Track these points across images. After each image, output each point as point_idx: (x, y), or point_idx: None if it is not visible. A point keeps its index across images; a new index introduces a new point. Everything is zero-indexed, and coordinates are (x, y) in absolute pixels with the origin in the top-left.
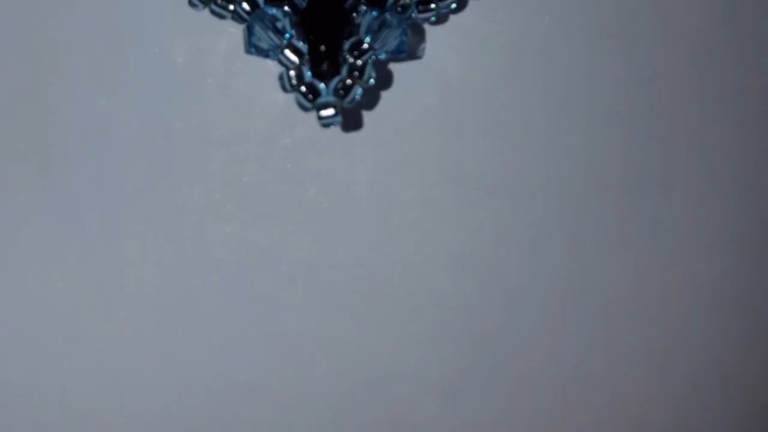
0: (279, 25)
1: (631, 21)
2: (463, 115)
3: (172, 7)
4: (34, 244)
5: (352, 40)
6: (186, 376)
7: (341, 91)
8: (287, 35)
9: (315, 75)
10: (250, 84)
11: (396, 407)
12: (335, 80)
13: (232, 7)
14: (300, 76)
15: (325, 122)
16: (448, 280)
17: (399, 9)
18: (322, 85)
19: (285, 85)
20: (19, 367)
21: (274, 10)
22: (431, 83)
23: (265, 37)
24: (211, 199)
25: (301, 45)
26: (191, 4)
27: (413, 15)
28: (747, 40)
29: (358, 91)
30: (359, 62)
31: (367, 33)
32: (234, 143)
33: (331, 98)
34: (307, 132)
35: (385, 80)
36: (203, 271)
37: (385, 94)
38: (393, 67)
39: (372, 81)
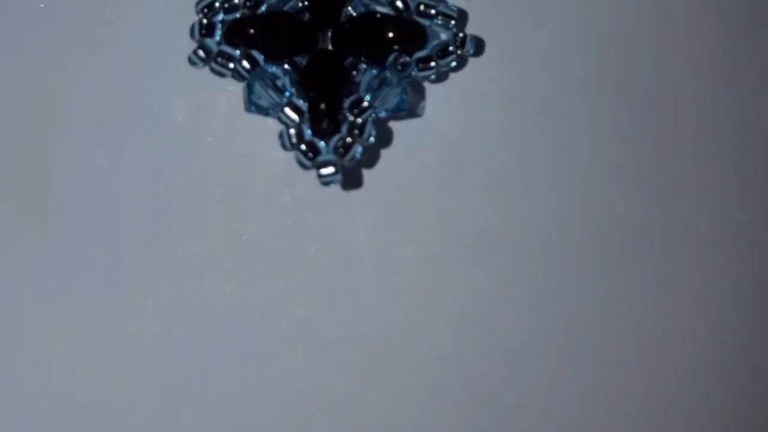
0: (279, 83)
1: (631, 77)
2: (463, 172)
3: (172, 65)
4: (33, 301)
5: (352, 98)
6: None
7: (341, 149)
8: (287, 93)
9: (315, 133)
10: (250, 142)
11: None
12: (335, 138)
13: (232, 65)
14: (300, 134)
15: (325, 180)
16: (448, 338)
17: (399, 67)
18: (322, 143)
19: (285, 143)
20: (20, 428)
21: (274, 68)
22: (431, 141)
23: (265, 95)
24: (211, 257)
25: (301, 103)
26: (191, 62)
27: (413, 73)
28: (747, 96)
29: (358, 149)
30: (359, 120)
31: (367, 91)
32: (234, 201)
33: (331, 156)
34: (307, 190)
35: (385, 138)
36: (203, 328)
37: (385, 152)
38: (393, 125)
39: (372, 139)
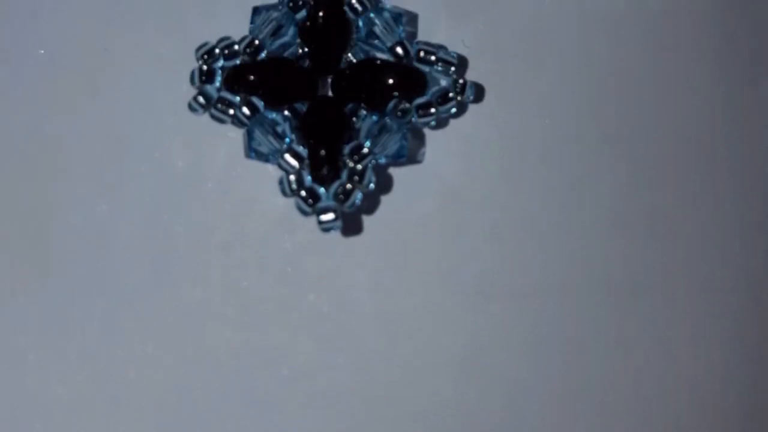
0: (279, 129)
1: (631, 124)
2: (463, 219)
3: (172, 111)
4: (33, 345)
5: (352, 144)
6: None
7: (341, 196)
8: (287, 140)
9: (315, 179)
10: (250, 188)
11: None
12: (335, 185)
13: (232, 111)
14: (300, 181)
15: (325, 227)
16: (449, 384)
17: (399, 113)
18: (322, 190)
19: (285, 189)
20: None
21: (274, 115)
22: (431, 188)
23: (265, 142)
24: (211, 302)
25: (301, 149)
26: (191, 108)
27: (413, 119)
28: (747, 144)
29: (358, 196)
30: (359, 167)
31: (367, 137)
32: (234, 247)
33: (331, 203)
34: (307, 236)
35: (385, 185)
36: (203, 375)
37: (385, 199)
38: (393, 171)
39: (372, 185)
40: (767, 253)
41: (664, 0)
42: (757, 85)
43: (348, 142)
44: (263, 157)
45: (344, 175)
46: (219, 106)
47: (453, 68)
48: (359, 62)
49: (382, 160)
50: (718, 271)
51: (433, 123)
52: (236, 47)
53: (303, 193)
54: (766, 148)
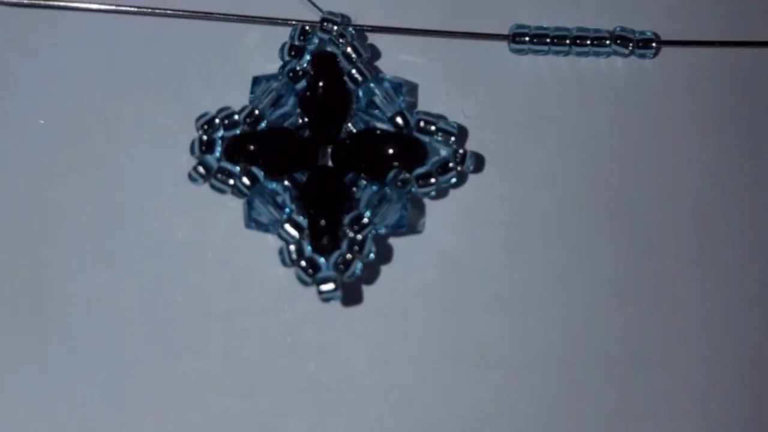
0: (279, 199)
1: (631, 197)
2: (463, 290)
3: (172, 181)
4: (32, 416)
5: (352, 214)
6: None
7: (341, 266)
8: (287, 210)
9: (315, 250)
10: (250, 258)
11: None
12: (335, 255)
13: (232, 181)
14: (300, 251)
15: (325, 297)
16: None
17: (399, 184)
18: (322, 260)
19: (285, 259)
20: None
21: (274, 185)
22: (431, 258)
23: (265, 212)
24: (211, 373)
25: (301, 220)
26: (191, 178)
27: (413, 190)
28: (748, 216)
29: (358, 266)
30: (359, 237)
31: (367, 207)
32: (234, 317)
33: (331, 273)
34: (307, 306)
35: (386, 255)
36: None
37: (385, 269)
38: (393, 241)
39: (372, 256)
40: (767, 325)
41: (664, 73)
42: (757, 158)
43: (348, 212)
44: (263, 227)
45: (344, 245)
46: (219, 176)
47: (453, 138)
48: (359, 132)
49: (382, 230)
50: (718, 344)
51: (433, 193)
52: (236, 117)
53: (303, 263)
54: (766, 220)
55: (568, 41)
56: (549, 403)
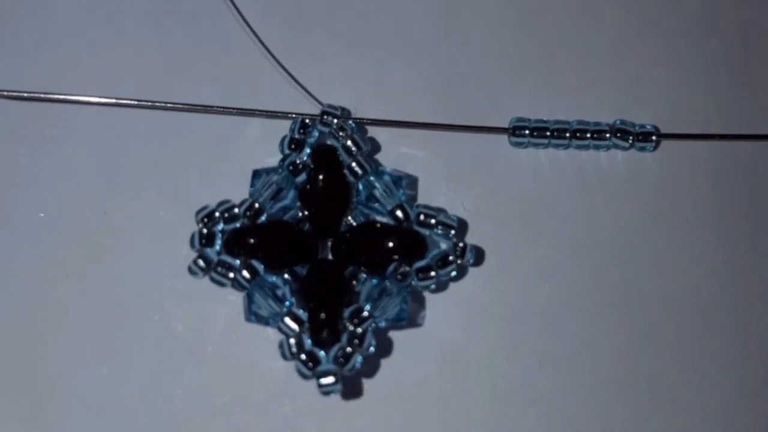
0: (279, 292)
1: (630, 290)
2: (463, 383)
3: (172, 275)
4: None
5: (352, 307)
6: None
7: (341, 359)
8: (287, 303)
9: (315, 343)
10: (250, 352)
11: None
12: (335, 348)
13: (232, 274)
14: (300, 344)
15: (326, 390)
16: None
17: (399, 277)
18: (322, 353)
19: (285, 353)
20: None
21: (274, 278)
22: (431, 351)
23: (265, 305)
24: None
25: (301, 313)
26: (191, 271)
27: (413, 283)
28: (747, 308)
29: (358, 359)
30: (359, 330)
31: (367, 301)
32: (234, 411)
33: (331, 366)
34: (308, 400)
35: (385, 348)
36: None
37: (385, 362)
38: (393, 334)
39: (372, 349)
40: (766, 419)
41: (664, 166)
42: (756, 251)
43: (348, 306)
44: (263, 321)
45: (344, 338)
46: (219, 269)
47: (453, 232)
48: (359, 225)
49: (382, 324)
50: None
51: (433, 286)
52: (236, 210)
53: (303, 356)
54: (765, 313)
55: (568, 134)
56: None
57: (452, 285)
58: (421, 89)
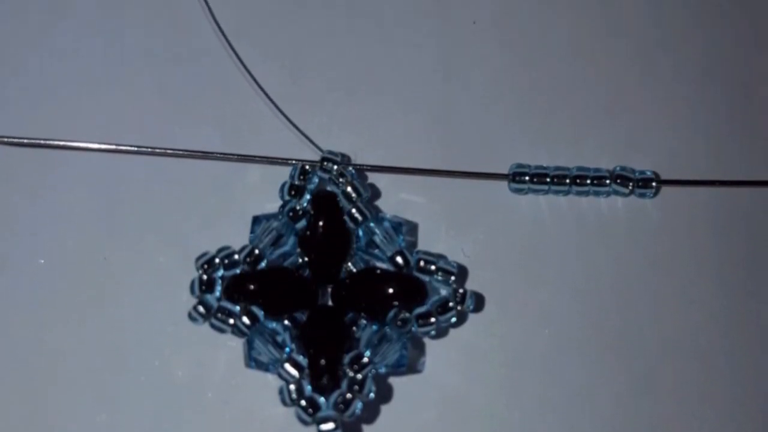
0: (279, 339)
1: (631, 336)
2: (464, 429)
3: (172, 321)
4: None
5: (352, 354)
6: None
7: (341, 405)
8: (287, 349)
9: (315, 389)
10: (250, 398)
11: None
12: (335, 394)
13: (232, 321)
14: (300, 390)
15: None
16: None
17: (399, 323)
18: (322, 399)
19: (285, 399)
20: None
21: (274, 324)
22: (431, 397)
23: (265, 351)
24: None
25: (301, 359)
26: (191, 318)
27: (413, 329)
28: (745, 357)
29: (358, 405)
30: (359, 376)
31: (367, 347)
32: None
33: (331, 412)
34: None
35: (386, 394)
36: None
37: (385, 408)
38: (393, 380)
39: (372, 395)
40: None
41: (664, 212)
42: (756, 297)
43: (348, 352)
44: (263, 367)
45: (344, 384)
46: (219, 315)
47: (453, 278)
48: (359, 272)
49: (382, 370)
50: None
51: (433, 332)
52: (236, 257)
53: (303, 402)
54: (765, 360)
55: (568, 181)
56: None
57: (452, 331)
58: (421, 135)
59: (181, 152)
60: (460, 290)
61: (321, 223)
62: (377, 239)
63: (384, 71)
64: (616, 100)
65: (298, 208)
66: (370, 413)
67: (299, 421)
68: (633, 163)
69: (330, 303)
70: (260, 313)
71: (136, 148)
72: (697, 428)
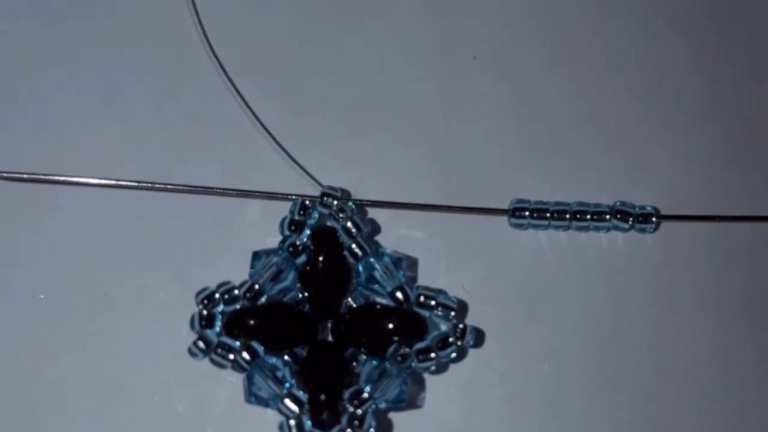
0: (279, 374)
1: (631, 372)
2: None
3: (172, 356)
4: None
5: (352, 389)
6: None
7: None
8: (287, 384)
9: (315, 424)
10: None
11: None
12: (335, 430)
13: (232, 356)
14: (300, 426)
15: None
16: None
17: (399, 358)
18: None
19: None
20: None
21: (274, 360)
22: None
23: (265, 386)
24: None
25: (301, 394)
26: (191, 353)
27: (413, 364)
28: (746, 392)
29: None
30: (359, 411)
31: (367, 382)
32: None
33: None
34: None
35: (386, 429)
36: None
37: None
38: (393, 416)
39: (372, 430)
40: None
41: (664, 248)
42: (756, 332)
43: (348, 387)
44: (263, 402)
45: (344, 420)
46: (219, 350)
47: (453, 313)
48: (359, 307)
49: (382, 405)
50: None
51: (433, 368)
52: (236, 292)
53: None
54: (766, 394)
55: (568, 216)
56: None
57: (452, 366)
58: (421, 171)
59: (181, 187)
60: (460, 325)
61: (321, 259)
62: (377, 274)
63: (384, 106)
64: (616, 136)
65: (298, 243)
66: None
67: None
68: (633, 199)
69: (330, 338)
70: (260, 349)
71: (136, 184)
72: None
